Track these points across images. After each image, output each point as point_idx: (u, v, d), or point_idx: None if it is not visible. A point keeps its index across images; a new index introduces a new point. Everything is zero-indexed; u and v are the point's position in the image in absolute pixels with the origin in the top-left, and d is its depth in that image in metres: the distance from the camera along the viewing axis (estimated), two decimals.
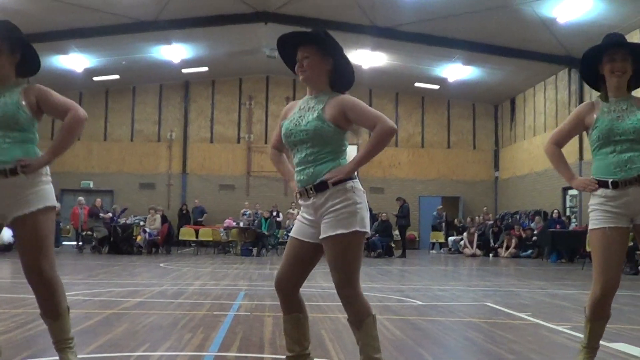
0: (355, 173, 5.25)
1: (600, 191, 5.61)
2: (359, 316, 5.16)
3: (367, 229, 5.19)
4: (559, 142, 6.01)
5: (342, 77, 5.41)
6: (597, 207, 5.63)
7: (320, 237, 5.12)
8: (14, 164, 5.28)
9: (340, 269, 5.10)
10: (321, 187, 5.12)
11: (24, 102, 5.41)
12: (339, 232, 5.03)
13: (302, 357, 5.32)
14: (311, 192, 5.16)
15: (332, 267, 5.11)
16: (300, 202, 5.31)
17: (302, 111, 5.32)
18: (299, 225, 5.31)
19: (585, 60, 5.84)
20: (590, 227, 5.66)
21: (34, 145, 5.51)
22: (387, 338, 7.95)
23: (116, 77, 37.06)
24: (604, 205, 5.58)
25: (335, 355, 6.90)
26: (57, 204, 5.78)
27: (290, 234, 5.35)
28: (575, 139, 30.44)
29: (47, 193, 5.47)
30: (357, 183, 5.22)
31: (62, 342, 5.71)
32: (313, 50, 5.32)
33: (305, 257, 5.26)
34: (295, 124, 5.27)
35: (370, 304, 5.21)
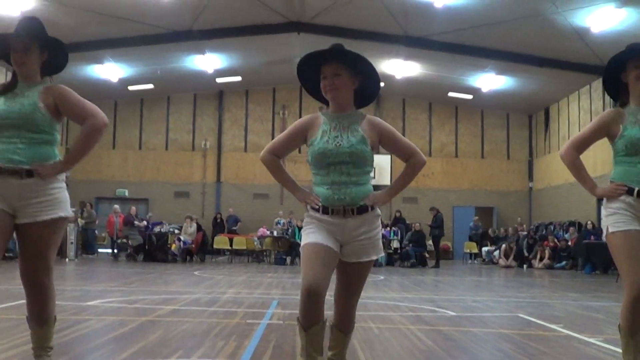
0: None
1: (624, 197, 5.47)
2: (352, 324, 5.49)
3: None
4: (580, 148, 5.89)
5: (367, 96, 5.50)
6: (617, 211, 5.48)
7: (352, 259, 5.25)
8: (31, 166, 5.20)
9: (360, 289, 5.43)
10: (362, 210, 5.19)
11: (41, 104, 5.33)
12: (373, 257, 5.30)
13: None
14: (351, 213, 5.18)
15: (355, 289, 5.37)
16: (319, 215, 5.27)
17: (338, 131, 5.30)
18: (326, 235, 5.21)
19: (609, 68, 5.72)
20: (611, 230, 5.49)
21: (53, 147, 5.42)
22: (418, 348, 7.98)
23: (151, 86, 37.27)
24: (625, 210, 5.44)
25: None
26: (70, 212, 5.73)
27: (318, 241, 5.18)
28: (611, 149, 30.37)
29: (59, 201, 5.39)
30: (377, 209, 5.34)
31: (41, 349, 5.68)
32: (344, 68, 5.32)
33: (333, 265, 5.21)
34: (336, 145, 5.23)
35: None
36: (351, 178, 5.21)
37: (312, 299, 5.03)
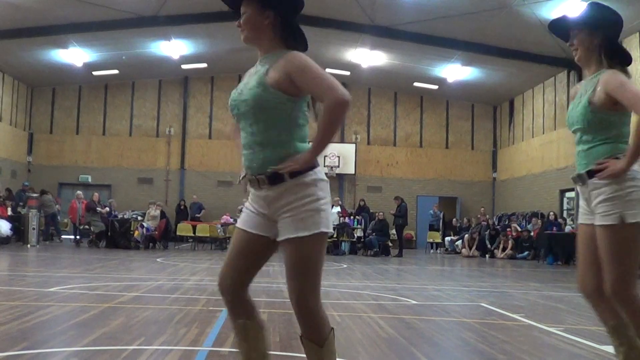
0: (318, 160, 4.27)
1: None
2: (321, 332, 4.21)
3: (331, 228, 4.24)
4: None
5: (289, 34, 4.46)
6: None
7: (279, 238, 4.23)
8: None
9: (302, 276, 4.16)
10: (275, 179, 4.20)
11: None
12: (301, 234, 4.13)
13: None
14: (263, 183, 4.25)
15: (292, 275, 4.17)
16: (248, 188, 4.44)
17: (248, 77, 4.47)
18: (247, 215, 4.43)
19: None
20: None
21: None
22: (380, 336, 8.01)
23: (115, 72, 37.03)
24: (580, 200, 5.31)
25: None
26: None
27: (237, 225, 4.48)
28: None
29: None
30: (319, 173, 4.23)
31: None
32: (250, 4, 4.57)
33: (252, 252, 4.37)
34: (239, 93, 4.39)
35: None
36: (257, 137, 4.27)
37: (222, 296, 4.42)
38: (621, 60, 5.15)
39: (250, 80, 4.36)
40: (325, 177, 4.27)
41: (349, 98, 4.04)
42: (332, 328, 4.26)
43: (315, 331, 4.20)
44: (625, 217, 4.87)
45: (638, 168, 4.92)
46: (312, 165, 4.18)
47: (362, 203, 35.26)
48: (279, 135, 4.22)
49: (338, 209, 33.04)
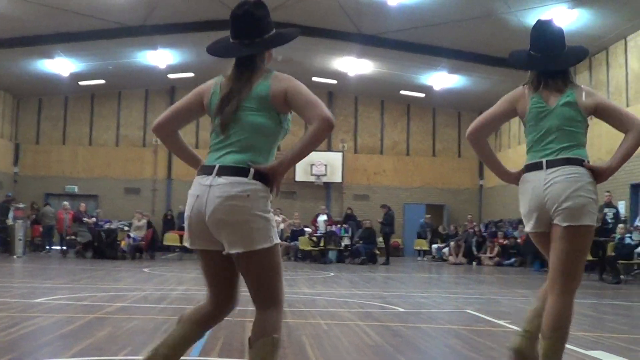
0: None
1: None
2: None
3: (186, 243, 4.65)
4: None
5: None
6: None
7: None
8: None
9: None
10: None
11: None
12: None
13: None
14: None
15: None
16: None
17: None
18: None
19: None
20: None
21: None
22: (367, 344, 8.02)
23: (102, 82, 36.96)
24: None
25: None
26: None
27: None
28: None
29: None
30: None
31: None
32: None
33: None
34: None
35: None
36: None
37: None
38: None
39: None
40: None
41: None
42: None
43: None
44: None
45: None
46: None
47: (349, 211, 35.30)
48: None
49: (325, 217, 33.10)
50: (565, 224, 5.25)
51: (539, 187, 5.33)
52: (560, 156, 5.32)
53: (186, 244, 4.57)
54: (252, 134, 4.44)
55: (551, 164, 5.32)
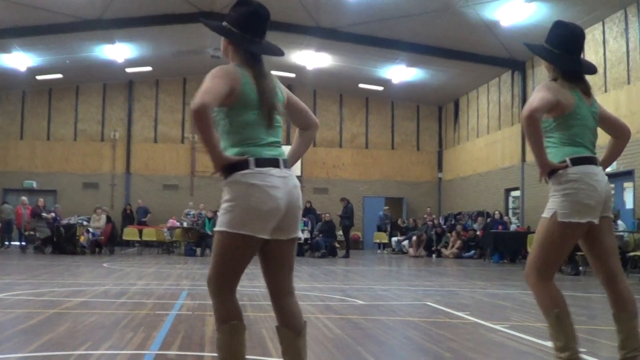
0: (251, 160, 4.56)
1: None
2: (215, 315, 4.68)
3: (238, 228, 4.51)
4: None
5: (239, 53, 4.83)
6: None
7: None
8: None
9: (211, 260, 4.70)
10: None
11: None
12: (215, 229, 4.71)
13: None
14: None
15: None
16: None
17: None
18: None
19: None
20: None
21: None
22: (327, 337, 8.05)
23: (59, 76, 36.73)
24: None
25: (276, 353, 6.96)
26: None
27: None
28: (519, 141, 30.82)
29: None
30: (235, 176, 4.55)
31: None
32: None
33: None
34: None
35: (235, 314, 4.68)
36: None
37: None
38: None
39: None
40: (241, 179, 4.52)
41: (200, 106, 4.29)
42: (232, 324, 4.60)
43: (214, 311, 4.68)
44: (557, 215, 5.42)
45: (577, 171, 5.45)
46: (232, 168, 4.54)
47: (308, 205, 35.29)
48: (225, 143, 4.65)
49: None
50: (609, 216, 5.70)
51: (604, 181, 5.61)
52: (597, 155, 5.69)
53: (263, 235, 4.59)
54: (280, 129, 4.83)
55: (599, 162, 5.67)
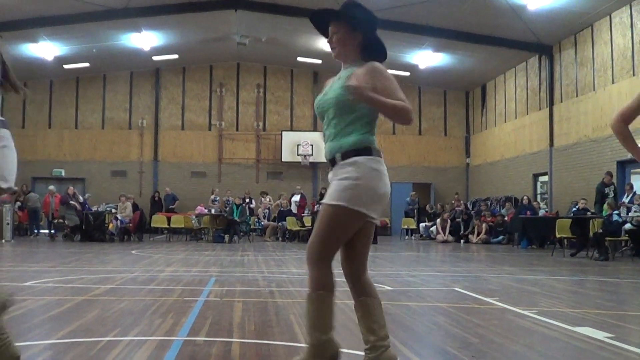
0: (372, 148, 5.10)
1: None
2: (311, 284, 5.33)
3: (360, 206, 4.97)
4: (627, 119, 5.50)
5: (372, 50, 5.37)
6: None
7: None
8: None
9: (315, 232, 5.21)
10: (334, 161, 5.18)
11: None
12: (326, 202, 5.07)
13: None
14: (334, 163, 5.18)
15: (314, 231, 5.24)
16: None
17: (332, 83, 5.36)
18: None
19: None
20: None
21: None
22: (355, 323, 8.03)
23: (86, 65, 36.89)
24: None
25: (304, 340, 6.97)
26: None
27: None
28: (547, 125, 30.60)
29: None
30: (362, 158, 5.05)
31: None
32: (341, 26, 5.35)
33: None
34: (323, 95, 5.30)
35: (328, 284, 5.33)
36: (335, 129, 5.20)
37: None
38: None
39: (334, 85, 5.24)
40: (367, 163, 5.04)
41: (411, 119, 5.12)
42: (319, 293, 5.33)
43: (310, 280, 5.32)
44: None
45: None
46: (357, 152, 5.05)
47: (323, 191, 35.30)
48: (353, 127, 5.11)
49: (298, 197, 33.19)
50: None
51: None
52: None
53: (374, 215, 5.12)
54: None
55: None
